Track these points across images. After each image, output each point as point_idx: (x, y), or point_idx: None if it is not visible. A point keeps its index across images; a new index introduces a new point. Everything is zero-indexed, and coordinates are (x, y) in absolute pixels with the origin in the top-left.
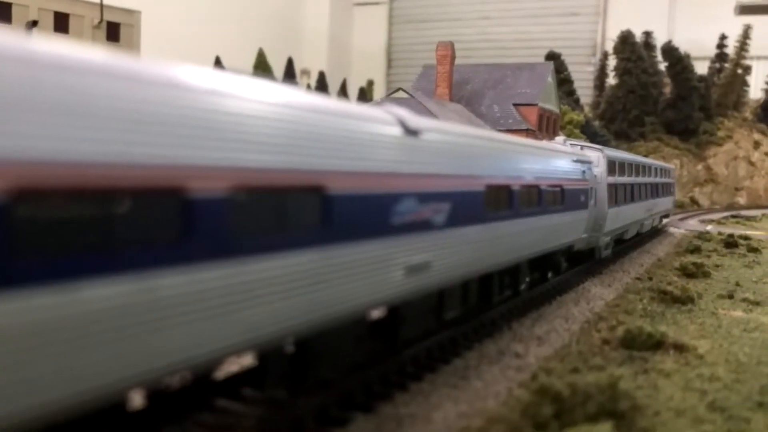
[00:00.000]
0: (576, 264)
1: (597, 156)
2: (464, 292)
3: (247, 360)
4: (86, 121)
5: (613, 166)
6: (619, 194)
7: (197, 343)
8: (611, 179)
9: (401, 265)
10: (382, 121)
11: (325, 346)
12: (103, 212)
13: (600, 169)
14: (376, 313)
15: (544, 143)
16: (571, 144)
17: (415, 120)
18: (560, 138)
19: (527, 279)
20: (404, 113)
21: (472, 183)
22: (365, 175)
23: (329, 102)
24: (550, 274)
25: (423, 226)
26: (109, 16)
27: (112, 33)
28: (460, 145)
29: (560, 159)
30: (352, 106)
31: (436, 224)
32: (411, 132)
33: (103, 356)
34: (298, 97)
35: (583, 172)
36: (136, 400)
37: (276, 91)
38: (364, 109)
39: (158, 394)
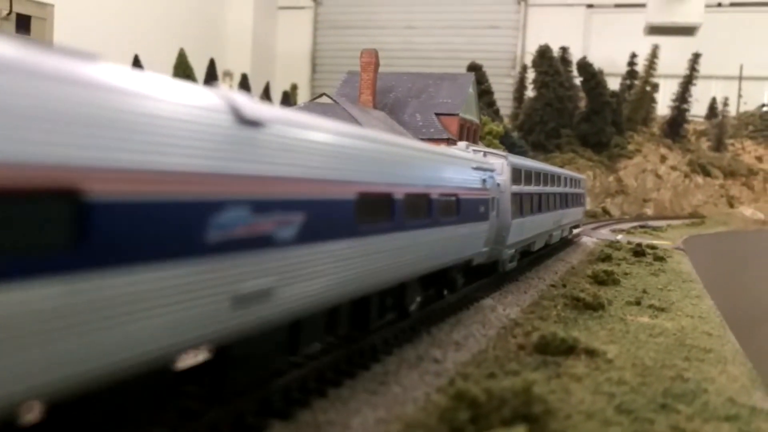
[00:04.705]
0: (477, 278)
1: (500, 163)
2: (331, 319)
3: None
4: None
5: (518, 175)
6: (525, 204)
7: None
8: (516, 188)
9: (225, 294)
10: (200, 106)
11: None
12: None
13: (503, 177)
14: (200, 357)
15: (439, 147)
16: (474, 150)
17: (257, 108)
18: (462, 143)
19: (418, 298)
20: (243, 99)
21: (338, 189)
22: (158, 175)
23: (94, 69)
24: (445, 292)
25: (261, 242)
26: (18, 8)
27: (22, 25)
28: (323, 143)
29: (457, 165)
30: (144, 79)
31: (283, 240)
32: (247, 122)
33: None
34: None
35: (484, 180)
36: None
37: None
38: (168, 84)
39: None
